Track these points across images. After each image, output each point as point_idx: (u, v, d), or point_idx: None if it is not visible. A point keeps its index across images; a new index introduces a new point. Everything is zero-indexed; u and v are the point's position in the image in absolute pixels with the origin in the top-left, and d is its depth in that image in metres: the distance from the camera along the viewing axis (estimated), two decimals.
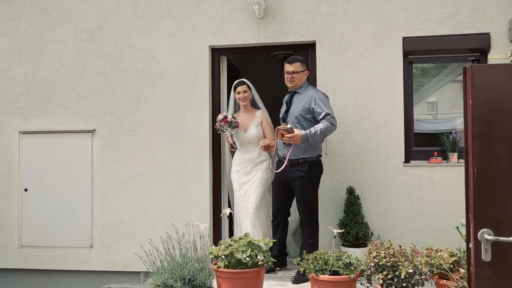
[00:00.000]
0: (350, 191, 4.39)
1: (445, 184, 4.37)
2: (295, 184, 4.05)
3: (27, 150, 5.07)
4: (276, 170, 4.16)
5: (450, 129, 4.61)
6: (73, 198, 4.95)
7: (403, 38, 4.47)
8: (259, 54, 5.94)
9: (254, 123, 4.40)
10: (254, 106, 4.55)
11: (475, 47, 4.41)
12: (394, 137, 4.46)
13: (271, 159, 4.45)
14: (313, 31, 4.60)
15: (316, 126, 3.90)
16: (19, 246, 5.03)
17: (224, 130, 4.33)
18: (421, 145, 4.57)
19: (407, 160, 4.46)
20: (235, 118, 4.33)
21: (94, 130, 4.93)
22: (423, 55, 4.60)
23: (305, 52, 4.78)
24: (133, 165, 4.85)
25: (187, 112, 4.77)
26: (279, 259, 4.17)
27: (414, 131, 4.58)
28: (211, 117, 4.75)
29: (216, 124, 4.36)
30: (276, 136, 4.05)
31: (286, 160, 3.99)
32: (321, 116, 3.93)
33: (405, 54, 4.50)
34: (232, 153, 4.62)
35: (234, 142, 4.41)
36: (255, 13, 4.58)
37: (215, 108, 4.79)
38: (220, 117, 4.34)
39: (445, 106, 4.86)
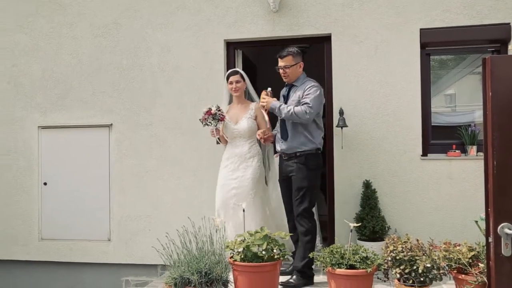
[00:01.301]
0: (367, 185, 4.36)
1: (464, 178, 4.31)
2: (292, 176, 3.87)
3: (46, 144, 5.15)
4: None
5: (469, 121, 4.54)
6: (91, 192, 5.02)
7: (421, 29, 4.40)
8: (274, 48, 5.90)
9: (247, 115, 4.15)
10: (251, 99, 4.32)
11: (495, 38, 4.32)
12: (411, 130, 4.41)
13: (267, 154, 4.28)
14: (329, 24, 4.56)
15: (292, 105, 3.80)
16: (39, 239, 5.13)
17: (208, 123, 4.03)
18: (439, 138, 4.50)
19: (424, 154, 4.41)
20: (220, 110, 4.04)
21: (111, 124, 4.98)
22: (441, 47, 4.53)
23: (320, 45, 4.75)
24: (150, 160, 4.89)
25: (203, 106, 4.75)
26: None
27: (432, 124, 4.51)
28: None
29: (200, 117, 4.07)
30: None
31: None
32: (302, 102, 3.79)
33: (423, 46, 4.43)
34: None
35: (218, 138, 4.16)
36: (270, 6, 4.56)
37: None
38: (204, 109, 4.05)
39: (463, 99, 4.78)
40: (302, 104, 3.77)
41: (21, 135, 5.17)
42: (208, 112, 4.01)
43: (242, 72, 4.25)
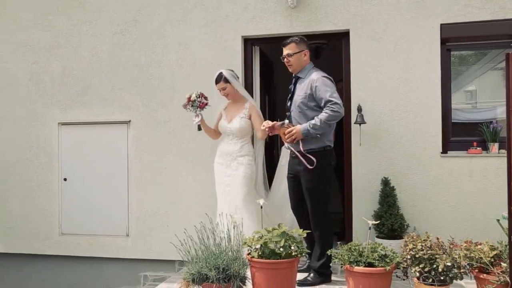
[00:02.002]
0: (385, 182, 4.32)
1: (485, 176, 4.24)
2: (301, 176, 3.74)
3: (66, 141, 5.22)
4: (310, 165, 3.60)
5: (490, 118, 4.45)
6: (110, 188, 5.08)
7: (441, 24, 4.33)
8: None
9: (241, 115, 4.18)
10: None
11: None
12: (431, 127, 4.35)
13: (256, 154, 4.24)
14: (347, 20, 4.52)
15: (318, 116, 3.56)
16: (60, 233, 5.21)
17: (188, 109, 4.13)
18: (460, 135, 4.43)
19: (444, 151, 4.35)
20: (200, 97, 4.09)
21: (130, 121, 5.02)
22: (462, 42, 4.45)
23: (338, 41, 4.71)
24: (168, 156, 4.92)
25: (220, 102, 4.77)
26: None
27: (452, 121, 4.44)
28: None
29: (183, 103, 4.18)
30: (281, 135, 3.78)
31: (301, 150, 3.65)
32: (322, 104, 3.58)
33: (443, 41, 4.36)
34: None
35: (199, 125, 4.20)
36: (287, 2, 4.54)
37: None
38: (187, 95, 4.14)
39: (485, 95, 4.70)
40: (325, 105, 3.56)
41: (42, 132, 5.26)
42: (189, 98, 4.10)
43: (226, 75, 4.20)
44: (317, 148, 3.66)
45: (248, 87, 4.80)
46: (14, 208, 5.32)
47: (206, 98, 4.18)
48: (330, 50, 6.27)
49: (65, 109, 5.20)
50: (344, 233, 5.21)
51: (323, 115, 3.53)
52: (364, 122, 4.33)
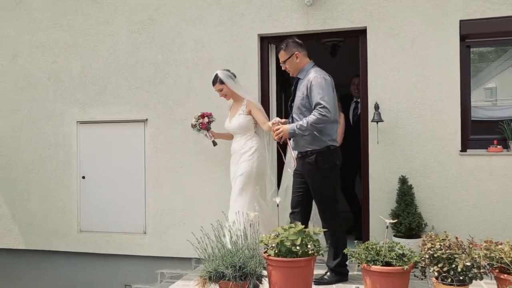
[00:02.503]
0: (403, 181, 4.27)
1: (506, 174, 4.16)
2: (306, 177, 3.74)
3: (84, 139, 5.28)
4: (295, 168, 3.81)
5: (511, 116, 4.37)
6: (127, 186, 5.12)
7: (460, 21, 4.27)
8: (308, 42, 5.84)
9: (239, 112, 4.26)
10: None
11: None
12: (450, 125, 4.29)
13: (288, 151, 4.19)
14: (364, 17, 4.48)
15: (306, 117, 3.54)
16: (78, 231, 5.28)
17: (196, 131, 4.45)
18: (479, 133, 4.36)
19: (463, 149, 4.28)
20: (198, 120, 4.36)
21: (146, 119, 5.06)
22: (482, 39, 4.37)
23: (355, 38, 4.67)
24: (184, 154, 4.94)
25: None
26: None
27: (472, 119, 4.38)
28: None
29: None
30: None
31: (292, 156, 3.76)
32: (313, 106, 3.55)
33: (462, 38, 4.29)
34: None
35: (213, 141, 4.44)
36: (304, 0, 4.52)
37: (264, 97, 4.79)
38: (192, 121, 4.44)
39: (505, 92, 4.61)
40: (314, 108, 3.52)
41: (61, 130, 5.33)
42: (192, 125, 4.43)
43: (221, 76, 4.30)
44: (320, 148, 3.64)
45: (264, 85, 4.80)
46: (33, 205, 5.41)
47: (207, 116, 4.37)
48: (347, 48, 6.22)
49: (84, 108, 5.26)
50: (353, 231, 5.19)
51: (311, 118, 3.51)
52: (381, 120, 4.29)
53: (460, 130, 4.28)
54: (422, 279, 3.27)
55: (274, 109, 4.90)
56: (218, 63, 4.84)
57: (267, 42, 4.83)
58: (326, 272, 3.76)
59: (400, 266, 3.04)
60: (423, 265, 3.15)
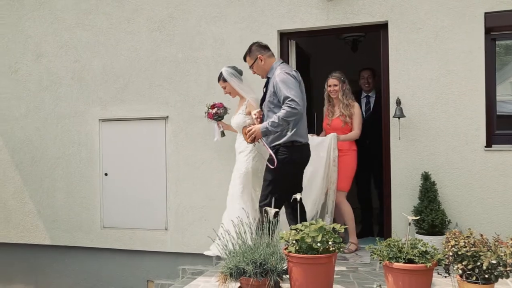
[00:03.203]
0: (426, 177, 4.21)
1: None
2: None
3: (106, 137, 5.36)
4: (271, 164, 3.68)
5: None
6: (149, 183, 5.17)
7: (485, 13, 4.17)
8: (328, 37, 5.81)
9: (240, 111, 4.20)
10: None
11: None
12: (474, 120, 4.20)
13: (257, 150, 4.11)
14: (385, 11, 4.42)
15: (276, 114, 3.54)
16: (101, 227, 5.36)
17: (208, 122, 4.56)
18: (505, 128, 4.26)
19: (488, 145, 4.19)
20: (208, 110, 4.45)
21: (167, 117, 5.10)
22: (508, 31, 4.26)
23: (376, 33, 4.61)
24: (205, 151, 4.96)
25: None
26: None
27: (497, 113, 4.28)
28: None
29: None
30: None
31: (269, 153, 3.72)
32: (281, 101, 3.54)
33: (487, 30, 4.19)
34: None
35: (222, 132, 4.51)
36: None
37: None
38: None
39: None
40: (283, 103, 3.52)
41: (84, 128, 5.41)
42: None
43: (224, 74, 4.24)
44: (282, 142, 3.63)
45: None
46: (58, 202, 5.51)
47: (216, 107, 4.42)
48: (367, 43, 6.15)
49: (106, 106, 5.33)
50: (371, 229, 5.11)
51: (281, 112, 3.51)
52: (403, 116, 4.23)
53: (485, 125, 4.19)
54: (445, 276, 3.21)
55: None
56: (238, 60, 4.83)
57: (286, 38, 4.80)
58: None
59: (423, 263, 2.99)
60: (446, 263, 3.10)
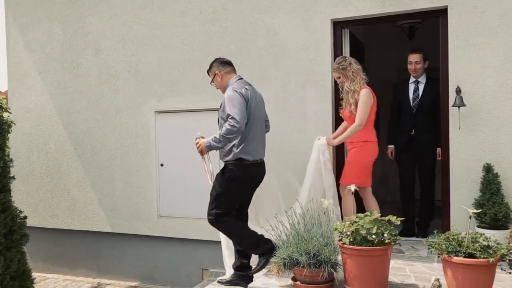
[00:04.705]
0: (488, 169, 4.02)
1: None
2: None
3: (162, 128, 5.50)
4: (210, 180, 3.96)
5: None
6: (203, 173, 5.24)
7: None
8: (383, 25, 5.65)
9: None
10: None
11: None
12: None
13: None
14: None
15: (218, 130, 3.65)
16: (158, 216, 5.53)
17: None
18: None
19: None
20: None
21: None
22: None
23: (435, 19, 4.43)
24: None
25: (310, 88, 4.74)
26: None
27: None
28: (333, 93, 4.67)
29: None
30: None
31: (206, 170, 3.93)
32: (225, 118, 3.62)
33: None
34: None
35: None
36: None
37: (338, 84, 4.68)
38: None
39: None
40: (226, 119, 3.58)
41: (140, 120, 5.59)
42: None
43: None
44: (229, 159, 3.71)
45: None
46: (117, 191, 5.74)
47: None
48: (424, 29, 5.93)
49: (161, 98, 5.47)
50: (413, 226, 4.92)
51: (222, 129, 3.58)
52: (463, 105, 4.06)
53: None
54: (510, 273, 3.08)
55: None
56: (291, 50, 4.81)
57: (340, 27, 4.72)
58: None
59: (484, 258, 2.86)
60: (511, 258, 2.96)
